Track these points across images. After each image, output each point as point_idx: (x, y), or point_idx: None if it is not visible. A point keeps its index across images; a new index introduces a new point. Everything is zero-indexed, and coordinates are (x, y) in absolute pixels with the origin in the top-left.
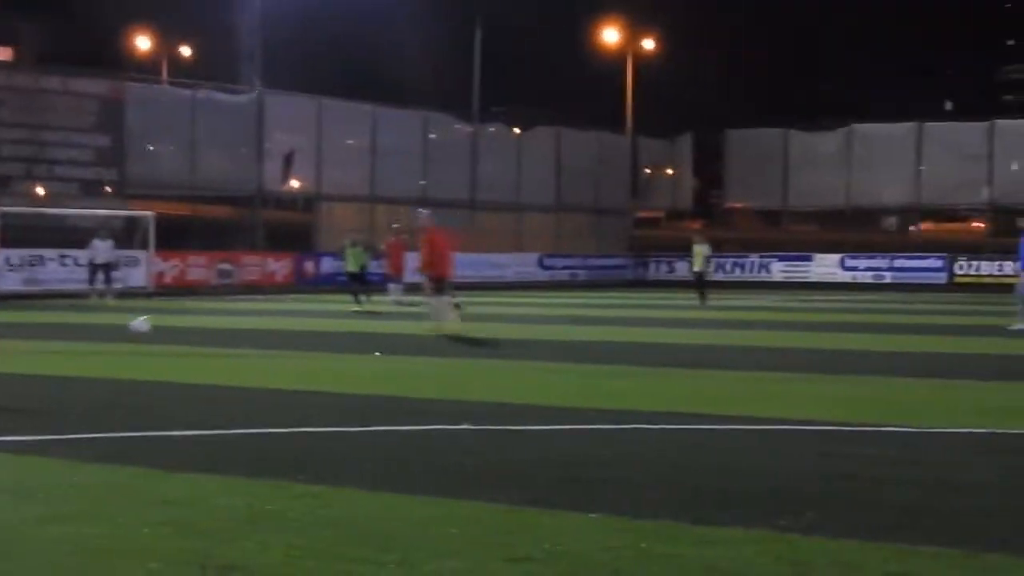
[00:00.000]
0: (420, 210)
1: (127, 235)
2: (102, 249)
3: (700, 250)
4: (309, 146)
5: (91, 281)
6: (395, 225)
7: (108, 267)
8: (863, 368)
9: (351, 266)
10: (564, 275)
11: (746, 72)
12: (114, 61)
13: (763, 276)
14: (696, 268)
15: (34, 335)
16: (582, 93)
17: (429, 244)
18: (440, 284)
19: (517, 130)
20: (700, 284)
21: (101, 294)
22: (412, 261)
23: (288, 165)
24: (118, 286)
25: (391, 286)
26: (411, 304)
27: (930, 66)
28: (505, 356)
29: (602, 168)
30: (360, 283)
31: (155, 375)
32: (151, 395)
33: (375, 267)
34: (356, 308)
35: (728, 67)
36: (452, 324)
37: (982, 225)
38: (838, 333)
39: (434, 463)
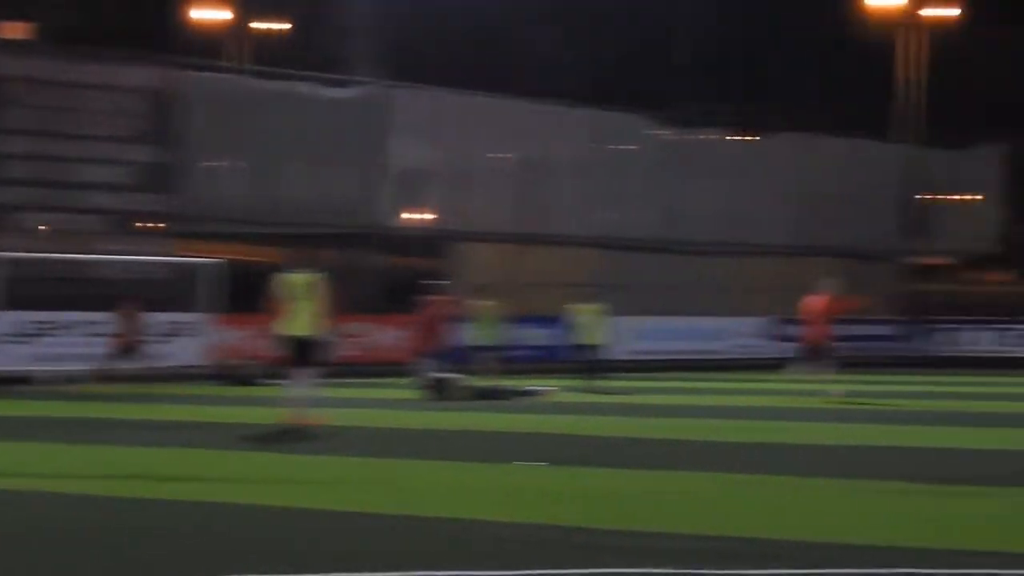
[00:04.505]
0: None
1: (176, 292)
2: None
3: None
4: (444, 162)
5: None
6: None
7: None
8: None
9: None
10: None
11: None
12: (167, 42)
13: None
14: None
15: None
16: (835, 83)
17: None
18: None
19: (741, 137)
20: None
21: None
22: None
23: (412, 189)
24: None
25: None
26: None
27: None
28: (708, 468)
29: (863, 193)
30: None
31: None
32: (253, 525)
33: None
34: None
35: None
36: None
37: None
38: None
39: None
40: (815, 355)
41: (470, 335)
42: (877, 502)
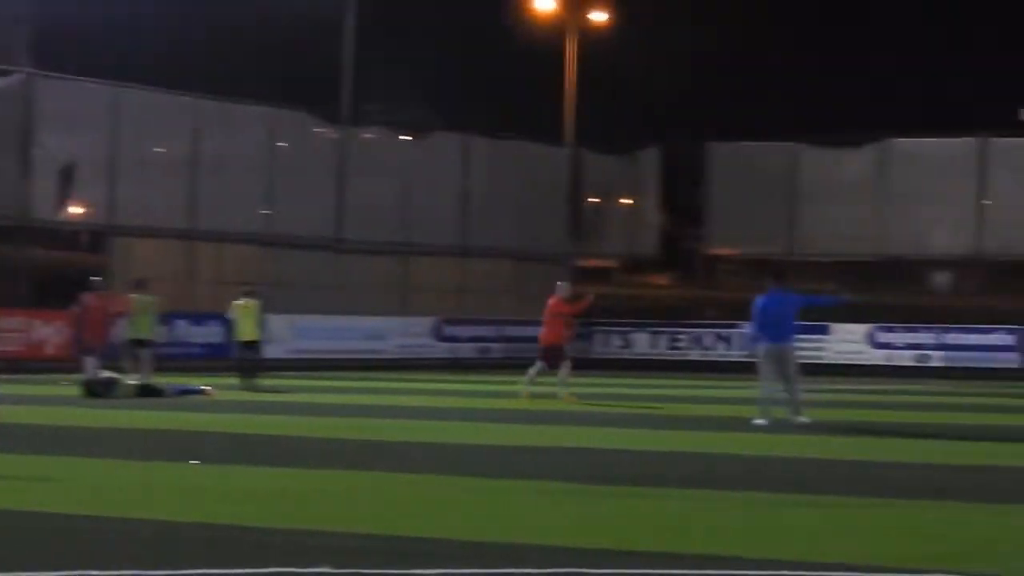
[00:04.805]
0: None
1: None
2: None
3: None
4: (99, 155)
5: None
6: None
7: None
8: (895, 488)
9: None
10: (471, 349)
11: (740, 60)
12: None
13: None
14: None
15: None
16: (500, 86)
17: None
18: None
19: (405, 137)
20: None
21: None
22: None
23: (67, 182)
24: None
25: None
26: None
27: (996, 55)
28: (377, 467)
29: (529, 195)
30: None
31: None
32: None
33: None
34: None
35: (713, 52)
36: None
37: None
38: (862, 437)
39: None
40: (552, 357)
41: (129, 331)
42: (551, 502)
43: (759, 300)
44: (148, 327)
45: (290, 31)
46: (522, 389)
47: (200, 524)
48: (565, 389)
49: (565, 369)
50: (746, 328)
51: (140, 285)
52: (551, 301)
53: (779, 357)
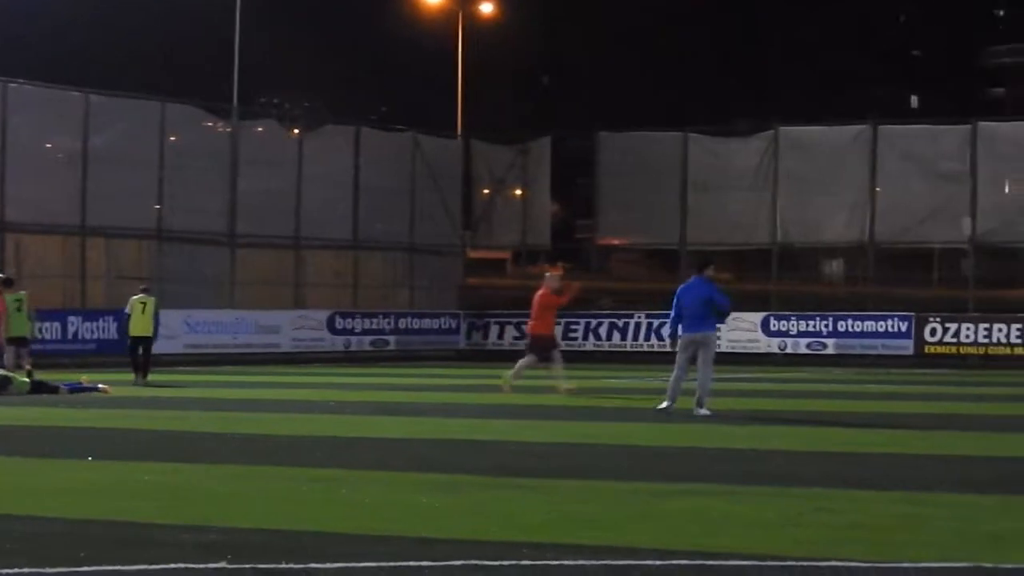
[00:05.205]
0: None
1: None
2: None
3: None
4: None
5: None
6: None
7: None
8: (796, 476)
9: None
10: (364, 342)
11: (629, 48)
12: None
13: (652, 344)
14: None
15: None
16: (390, 78)
17: None
18: None
19: (296, 130)
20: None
21: None
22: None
23: None
24: None
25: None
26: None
27: (888, 45)
28: (275, 462)
29: (421, 187)
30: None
31: None
32: None
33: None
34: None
35: (603, 42)
36: None
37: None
38: (759, 426)
39: None
40: (542, 348)
41: (6, 331)
42: (450, 495)
43: (680, 289)
44: (23, 325)
45: (179, 25)
46: (503, 382)
47: (95, 521)
48: (565, 382)
49: (559, 360)
50: (669, 317)
51: (6, 284)
52: (540, 292)
53: (699, 345)
